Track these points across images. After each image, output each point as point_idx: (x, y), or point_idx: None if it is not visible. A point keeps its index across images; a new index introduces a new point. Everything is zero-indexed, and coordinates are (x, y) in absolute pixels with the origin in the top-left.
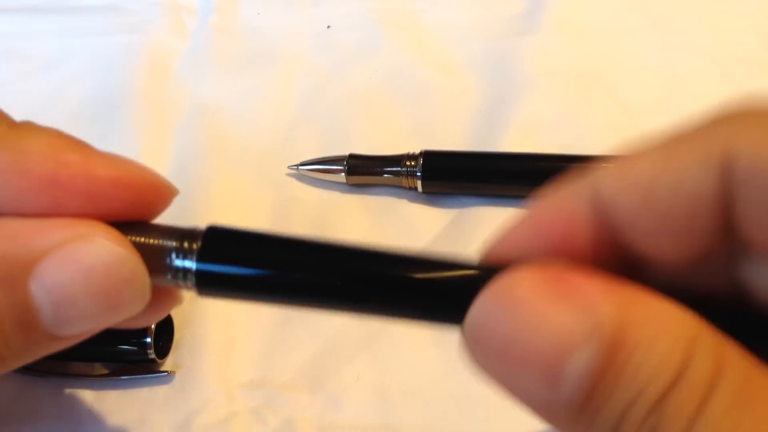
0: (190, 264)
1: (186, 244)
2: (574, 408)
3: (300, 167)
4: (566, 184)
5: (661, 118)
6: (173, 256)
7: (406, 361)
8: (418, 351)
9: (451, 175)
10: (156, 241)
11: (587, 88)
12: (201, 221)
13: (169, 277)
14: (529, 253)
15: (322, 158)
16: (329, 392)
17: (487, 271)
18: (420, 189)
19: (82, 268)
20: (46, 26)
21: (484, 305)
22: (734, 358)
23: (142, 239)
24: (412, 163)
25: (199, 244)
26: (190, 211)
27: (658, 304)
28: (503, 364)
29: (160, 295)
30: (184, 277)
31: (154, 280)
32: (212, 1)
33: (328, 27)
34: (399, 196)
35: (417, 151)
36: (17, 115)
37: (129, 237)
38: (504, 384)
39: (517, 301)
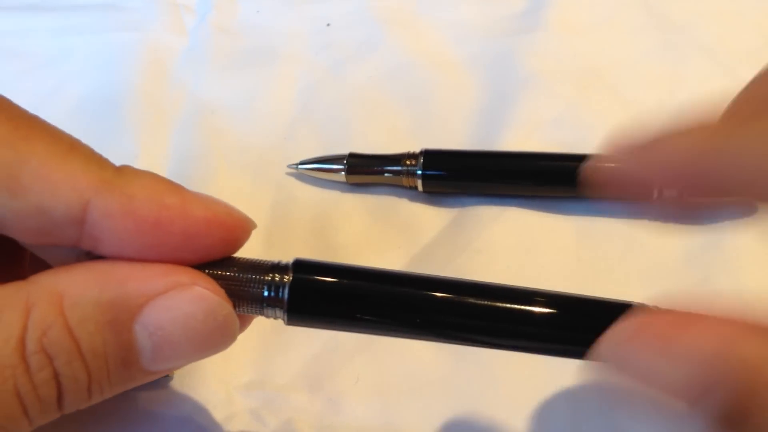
0: (281, 296)
1: (276, 278)
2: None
3: (300, 166)
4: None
5: (662, 116)
6: (265, 289)
7: (405, 362)
8: (417, 352)
9: (451, 174)
10: (250, 276)
11: (588, 86)
12: None
13: (260, 308)
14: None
15: (322, 157)
16: (329, 393)
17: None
18: (420, 188)
19: (182, 315)
20: (44, 24)
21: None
22: None
23: (237, 274)
24: (413, 162)
25: (290, 277)
26: None
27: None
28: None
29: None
30: (274, 309)
31: (245, 311)
32: None
33: (328, 25)
34: (399, 196)
35: (417, 149)
36: None
37: (224, 272)
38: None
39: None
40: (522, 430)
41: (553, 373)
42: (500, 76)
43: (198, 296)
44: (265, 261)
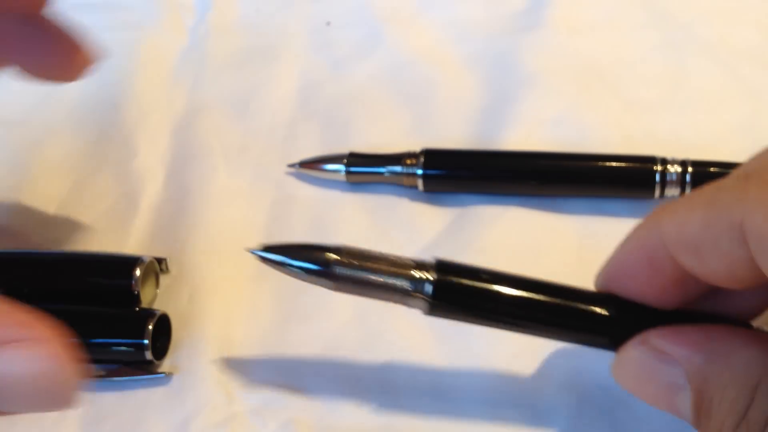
0: (425, 291)
1: (421, 274)
2: (693, 422)
3: (299, 165)
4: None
5: (663, 115)
6: (409, 284)
7: (406, 362)
8: (418, 353)
9: (452, 174)
10: (399, 270)
11: (589, 84)
12: (200, 220)
13: (404, 300)
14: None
15: (322, 156)
16: (329, 394)
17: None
18: (421, 188)
19: (26, 368)
20: None
21: (630, 358)
22: None
23: (388, 268)
24: (413, 161)
25: (434, 276)
26: (189, 210)
27: (730, 355)
28: (640, 394)
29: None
30: (415, 299)
31: (392, 300)
32: None
33: (328, 23)
34: (399, 195)
35: (418, 149)
36: (13, 114)
37: (377, 265)
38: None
39: (655, 360)
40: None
41: (555, 374)
42: (501, 74)
43: (44, 353)
44: (410, 259)
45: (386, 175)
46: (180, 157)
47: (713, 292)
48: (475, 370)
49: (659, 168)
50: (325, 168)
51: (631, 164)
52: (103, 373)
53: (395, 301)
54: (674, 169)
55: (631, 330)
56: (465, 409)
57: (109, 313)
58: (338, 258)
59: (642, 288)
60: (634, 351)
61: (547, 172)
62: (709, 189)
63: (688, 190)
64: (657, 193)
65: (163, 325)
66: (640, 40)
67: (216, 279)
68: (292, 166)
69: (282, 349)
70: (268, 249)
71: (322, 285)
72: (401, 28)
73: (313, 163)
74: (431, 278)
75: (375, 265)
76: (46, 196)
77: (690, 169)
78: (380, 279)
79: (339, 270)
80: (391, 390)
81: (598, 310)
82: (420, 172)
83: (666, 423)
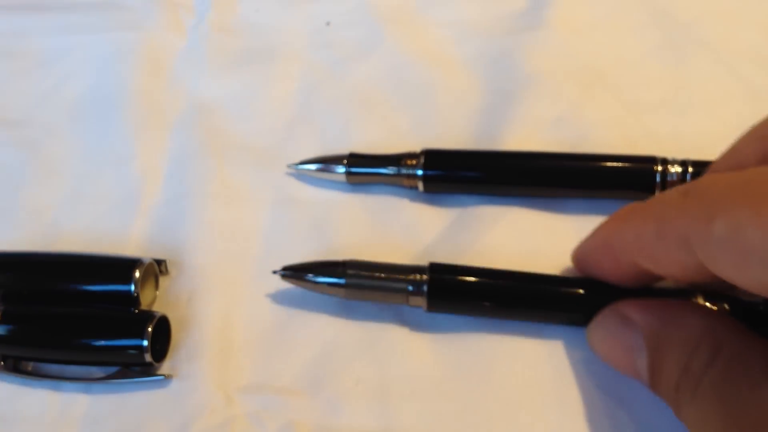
0: (423, 289)
1: (418, 277)
2: (647, 381)
3: (299, 166)
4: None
5: (664, 115)
6: (409, 286)
7: (405, 364)
8: (417, 354)
9: (452, 174)
10: (397, 276)
11: (590, 85)
12: (200, 221)
13: (406, 299)
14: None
15: (322, 157)
16: (328, 396)
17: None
18: (421, 188)
19: None
20: (41, 24)
21: (600, 323)
22: (729, 340)
23: (390, 275)
24: (413, 161)
25: (429, 276)
26: (189, 211)
27: (679, 321)
28: (607, 357)
29: None
30: (416, 298)
31: (395, 302)
32: None
33: (328, 24)
34: (400, 196)
35: (418, 149)
36: (11, 114)
37: (381, 274)
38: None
39: (619, 327)
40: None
41: (555, 375)
42: (501, 75)
43: None
44: (407, 265)
45: (386, 175)
46: (179, 157)
47: None
48: (475, 372)
49: (659, 168)
50: (325, 168)
51: (631, 164)
52: (102, 375)
53: (398, 302)
54: (675, 169)
55: (602, 305)
56: (465, 412)
57: (109, 315)
58: (349, 270)
59: (608, 274)
60: (604, 318)
61: (547, 173)
62: (657, 202)
63: None
64: (657, 193)
65: (163, 327)
66: (640, 40)
67: (215, 281)
68: (292, 166)
69: (281, 351)
70: (289, 268)
71: (335, 294)
72: (401, 28)
73: (313, 164)
74: (426, 278)
75: (379, 274)
76: (46, 197)
77: (690, 169)
78: (385, 284)
79: (350, 281)
80: (390, 394)
81: (574, 290)
82: (420, 172)
83: (666, 422)
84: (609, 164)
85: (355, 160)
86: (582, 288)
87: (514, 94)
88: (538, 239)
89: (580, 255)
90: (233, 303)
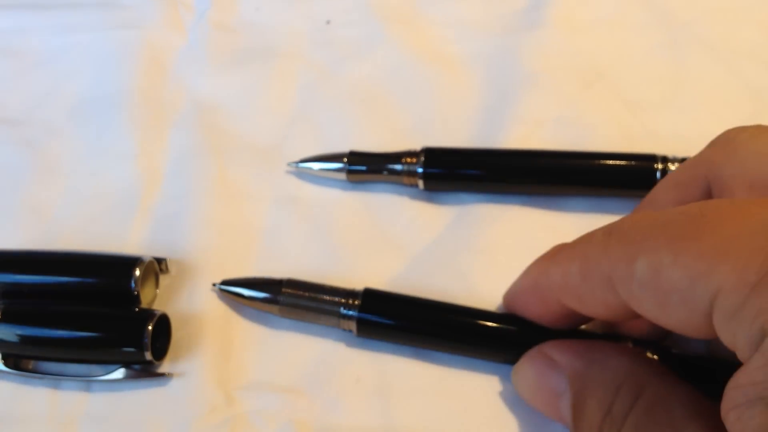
0: (353, 314)
1: (350, 301)
2: (570, 423)
3: (299, 164)
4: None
5: (664, 114)
6: (341, 309)
7: (405, 362)
8: (417, 352)
9: (452, 172)
10: (331, 298)
11: (590, 83)
12: (200, 220)
13: (336, 321)
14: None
15: (322, 155)
16: (329, 395)
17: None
18: (421, 186)
19: None
20: (41, 22)
21: (524, 364)
22: (651, 383)
23: (324, 297)
24: (413, 159)
25: (360, 301)
26: (189, 209)
27: (603, 362)
28: (531, 400)
29: None
30: (347, 321)
31: (326, 323)
32: None
33: (328, 22)
34: (400, 194)
35: (418, 147)
36: (12, 113)
37: (314, 295)
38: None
39: (544, 369)
40: (522, 430)
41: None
42: (502, 73)
43: None
44: (344, 288)
45: (386, 173)
46: (180, 156)
47: None
48: (475, 370)
49: (660, 166)
50: (325, 167)
51: (631, 162)
52: (102, 373)
53: (331, 324)
54: (675, 167)
55: (530, 345)
56: (465, 411)
57: (109, 314)
58: (284, 289)
59: (537, 315)
60: (528, 359)
61: (547, 171)
62: (582, 242)
63: None
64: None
65: (163, 325)
66: (641, 39)
67: (216, 279)
68: (292, 165)
69: (282, 350)
70: (226, 282)
71: (270, 311)
72: (401, 27)
73: (313, 162)
74: (358, 304)
75: (314, 295)
76: (46, 196)
77: None
78: (318, 306)
79: (284, 299)
80: (390, 391)
81: (505, 327)
82: (420, 170)
83: None
84: (609, 162)
85: (355, 158)
86: (514, 326)
87: (515, 93)
88: (537, 238)
89: (509, 297)
90: (233, 301)
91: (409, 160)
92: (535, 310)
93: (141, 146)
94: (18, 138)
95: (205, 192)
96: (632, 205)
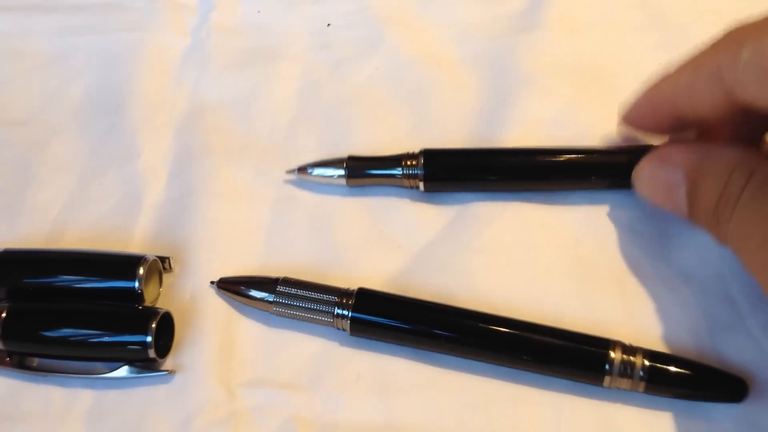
0: (346, 314)
1: (344, 300)
2: (688, 213)
3: (298, 172)
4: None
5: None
6: (335, 309)
7: (405, 359)
8: (416, 350)
9: (451, 173)
10: (325, 298)
11: (587, 85)
12: (203, 219)
13: (330, 320)
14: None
15: (321, 161)
16: (329, 391)
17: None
18: (421, 188)
19: None
20: (45, 24)
21: (644, 165)
22: (762, 165)
23: (319, 296)
24: (413, 162)
25: (353, 300)
26: (192, 209)
27: (713, 152)
28: (651, 194)
29: None
30: (341, 321)
31: (321, 322)
32: None
33: (328, 25)
34: (400, 196)
35: (417, 149)
36: (16, 114)
37: (309, 294)
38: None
39: (661, 166)
40: (522, 430)
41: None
42: (500, 75)
43: None
44: (339, 288)
45: (386, 176)
46: (182, 157)
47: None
48: (475, 368)
49: None
50: (324, 173)
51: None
52: (106, 370)
53: (325, 323)
54: None
55: (521, 345)
56: (465, 408)
57: (113, 311)
58: (280, 288)
59: (649, 125)
60: (647, 160)
61: (547, 169)
62: (692, 57)
63: None
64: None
65: (166, 323)
66: (638, 40)
67: (217, 277)
68: (290, 172)
69: (283, 346)
70: (224, 281)
71: (265, 309)
72: (401, 29)
73: (312, 168)
74: (352, 303)
75: (309, 294)
76: (51, 196)
77: None
78: (313, 305)
79: (279, 298)
80: (390, 387)
81: (492, 328)
82: (419, 172)
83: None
84: (607, 156)
85: (354, 162)
86: (505, 326)
87: (513, 94)
88: (536, 236)
89: (627, 115)
90: (235, 300)
91: (408, 162)
92: (648, 121)
93: (144, 147)
94: (23, 138)
95: (208, 192)
96: (632, 198)
